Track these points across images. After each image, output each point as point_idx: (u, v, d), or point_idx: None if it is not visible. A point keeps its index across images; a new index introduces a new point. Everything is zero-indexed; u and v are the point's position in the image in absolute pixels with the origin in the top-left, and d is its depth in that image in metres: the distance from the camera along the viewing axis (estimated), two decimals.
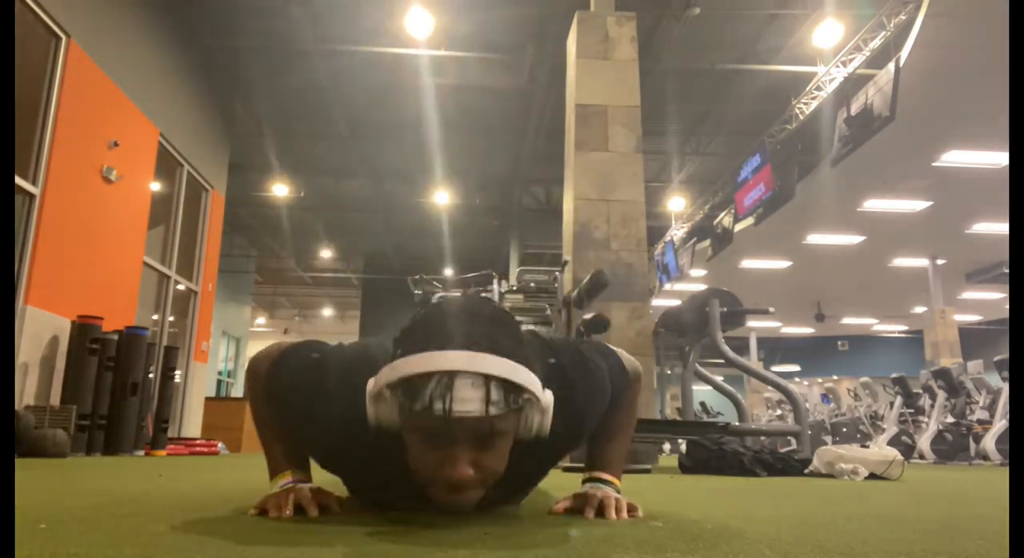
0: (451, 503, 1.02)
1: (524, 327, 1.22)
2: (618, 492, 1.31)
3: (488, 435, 0.98)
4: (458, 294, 6.22)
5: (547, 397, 1.03)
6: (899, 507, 1.71)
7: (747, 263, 16.67)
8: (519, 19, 8.66)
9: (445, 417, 0.94)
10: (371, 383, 1.02)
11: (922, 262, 16.56)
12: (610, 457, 1.36)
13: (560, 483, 2.09)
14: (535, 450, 1.08)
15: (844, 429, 11.91)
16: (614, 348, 1.37)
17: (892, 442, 8.89)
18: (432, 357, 0.96)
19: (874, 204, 13.14)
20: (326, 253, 18.24)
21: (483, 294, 6.23)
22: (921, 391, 9.91)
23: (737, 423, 4.94)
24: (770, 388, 10.77)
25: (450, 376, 0.94)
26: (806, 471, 3.52)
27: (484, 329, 1.00)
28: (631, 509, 1.25)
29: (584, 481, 1.34)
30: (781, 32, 9.27)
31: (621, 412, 1.35)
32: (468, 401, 0.94)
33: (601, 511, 1.22)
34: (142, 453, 5.94)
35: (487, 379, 0.95)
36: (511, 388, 0.97)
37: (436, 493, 1.01)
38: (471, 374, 0.95)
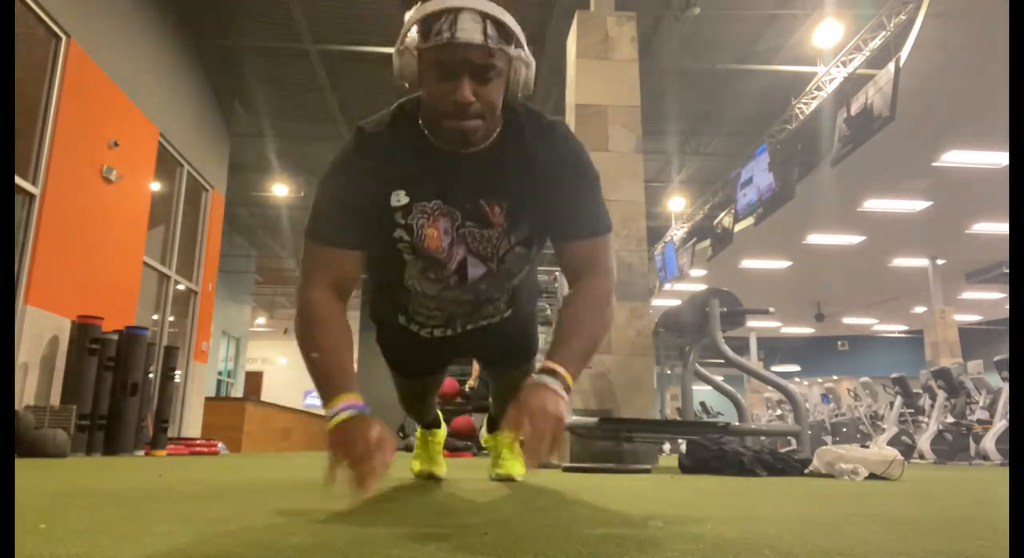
0: (458, 130, 1.26)
1: None
2: (567, 388, 1.22)
3: (486, 67, 1.22)
4: None
5: (530, 57, 1.29)
6: (899, 507, 1.71)
7: (747, 263, 16.67)
8: (519, 19, 8.59)
9: (451, 42, 1.19)
10: (397, 41, 1.28)
11: (922, 262, 16.56)
12: (570, 349, 1.29)
13: (562, 483, 2.10)
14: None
15: (844, 429, 11.91)
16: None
17: (892, 442, 8.89)
18: (437, 2, 1.21)
19: (874, 204, 13.13)
20: None
21: None
22: (921, 391, 9.91)
23: (737, 423, 4.94)
24: (770, 388, 10.78)
25: (455, 13, 1.19)
26: (806, 471, 3.52)
27: None
28: (556, 428, 1.13)
29: (536, 372, 1.26)
30: (781, 32, 9.26)
31: (588, 307, 1.37)
32: (469, 30, 1.19)
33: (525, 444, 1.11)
34: (142, 453, 5.94)
35: (484, 17, 1.21)
36: (504, 29, 1.23)
37: (446, 123, 1.26)
38: (472, 12, 1.20)
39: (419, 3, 1.27)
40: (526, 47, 1.30)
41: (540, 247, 1.56)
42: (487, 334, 1.76)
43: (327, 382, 1.27)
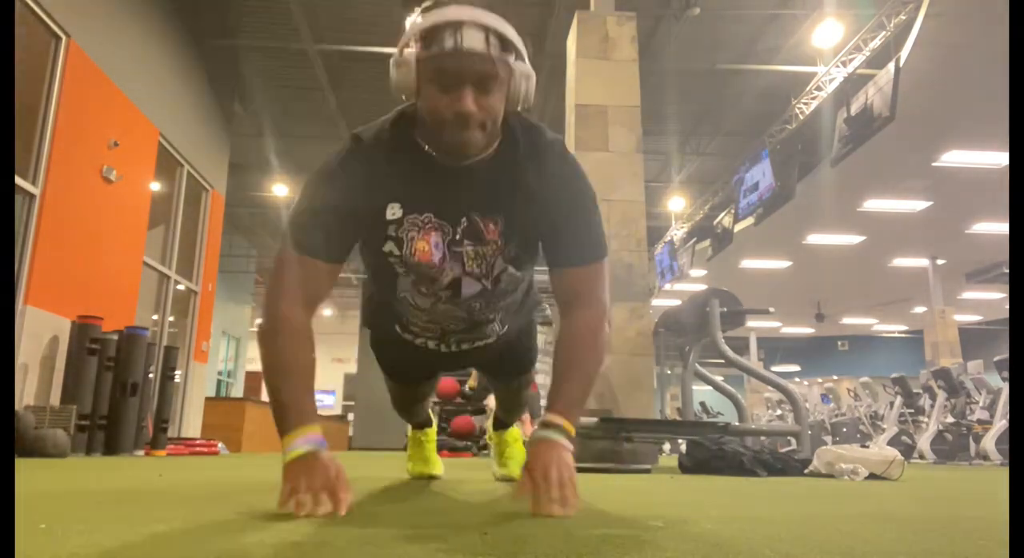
0: (459, 141, 1.24)
1: None
2: (569, 437, 1.27)
3: (489, 77, 1.21)
4: None
5: (531, 69, 1.29)
6: (899, 507, 1.71)
7: (747, 263, 16.67)
8: (519, 19, 8.61)
9: (455, 51, 1.18)
10: (395, 53, 1.26)
11: (922, 262, 16.56)
12: (570, 396, 1.34)
13: None
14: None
15: (844, 429, 11.91)
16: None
17: (892, 442, 8.89)
18: (443, 12, 1.21)
19: (874, 204, 13.14)
20: None
21: None
22: (921, 391, 9.91)
23: (737, 423, 4.94)
24: (770, 388, 10.77)
25: (459, 25, 1.19)
26: (806, 471, 3.52)
27: (484, 4, 1.24)
28: (572, 488, 1.19)
29: (539, 427, 1.31)
30: (781, 32, 9.27)
31: (581, 346, 1.36)
32: (472, 39, 1.19)
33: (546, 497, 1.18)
34: (142, 453, 5.94)
35: (487, 30, 1.21)
36: (506, 42, 1.24)
37: (446, 133, 1.24)
38: (475, 25, 1.20)
39: (419, 12, 1.26)
40: (527, 60, 1.29)
41: (534, 264, 1.54)
42: (484, 350, 1.74)
43: (285, 412, 1.24)
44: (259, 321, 1.34)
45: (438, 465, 2.48)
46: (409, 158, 1.33)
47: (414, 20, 1.25)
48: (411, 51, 1.24)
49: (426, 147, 1.33)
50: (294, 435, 1.21)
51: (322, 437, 1.24)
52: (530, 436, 1.33)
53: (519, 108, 1.31)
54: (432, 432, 2.49)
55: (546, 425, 1.30)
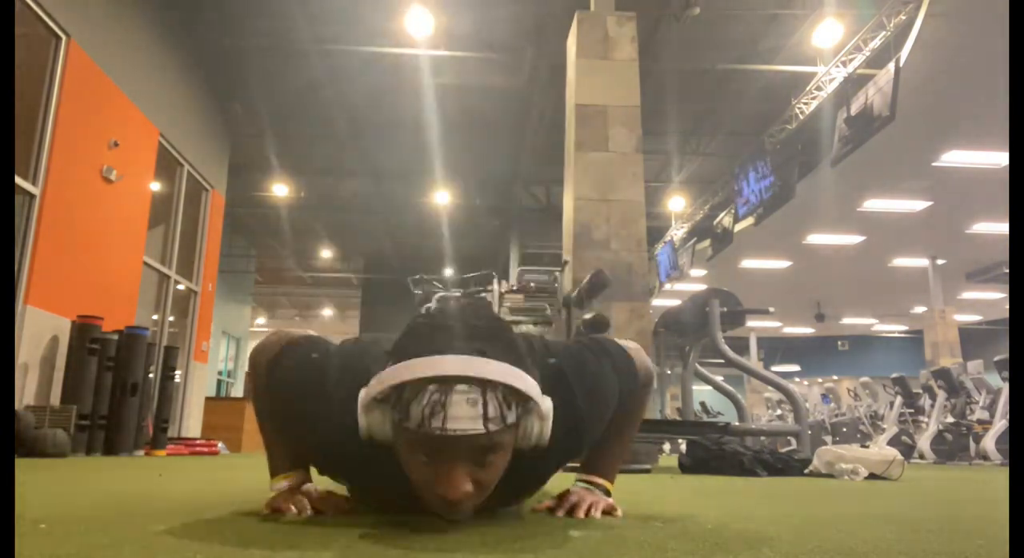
0: (445, 514, 0.99)
1: (520, 328, 1.23)
2: (608, 495, 1.30)
3: (486, 450, 0.94)
4: (457, 294, 6.22)
5: (547, 403, 0.99)
6: (899, 507, 1.71)
7: (747, 263, 16.66)
8: (519, 19, 8.66)
9: (441, 436, 0.90)
10: (362, 394, 0.98)
11: (922, 262, 16.56)
12: (605, 460, 1.34)
13: (563, 485, 2.09)
14: (534, 458, 1.04)
15: (844, 429, 11.91)
16: (626, 344, 1.28)
17: (892, 442, 8.89)
18: (424, 363, 0.92)
19: (874, 204, 13.13)
20: (326, 253, 18.24)
21: (483, 294, 6.24)
22: (921, 391, 9.91)
23: (737, 423, 4.94)
24: (770, 388, 10.77)
25: (444, 390, 0.90)
26: (806, 471, 3.52)
27: (479, 334, 0.96)
28: (608, 509, 1.24)
29: (576, 481, 1.34)
30: (781, 32, 9.26)
31: (624, 417, 1.29)
32: (464, 418, 0.89)
33: (573, 510, 1.22)
34: (142, 453, 5.93)
35: (484, 389, 0.91)
36: (510, 395, 0.93)
37: (431, 505, 0.98)
38: (466, 385, 0.90)
39: (386, 356, 0.99)
40: (540, 399, 0.99)
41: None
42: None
43: (273, 455, 1.24)
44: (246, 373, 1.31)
45: None
46: (397, 480, 1.02)
47: (387, 359, 0.98)
48: (384, 408, 0.97)
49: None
50: (280, 478, 1.22)
51: (309, 478, 1.24)
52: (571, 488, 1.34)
53: (532, 446, 1.01)
54: None
55: (584, 482, 1.32)
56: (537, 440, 0.99)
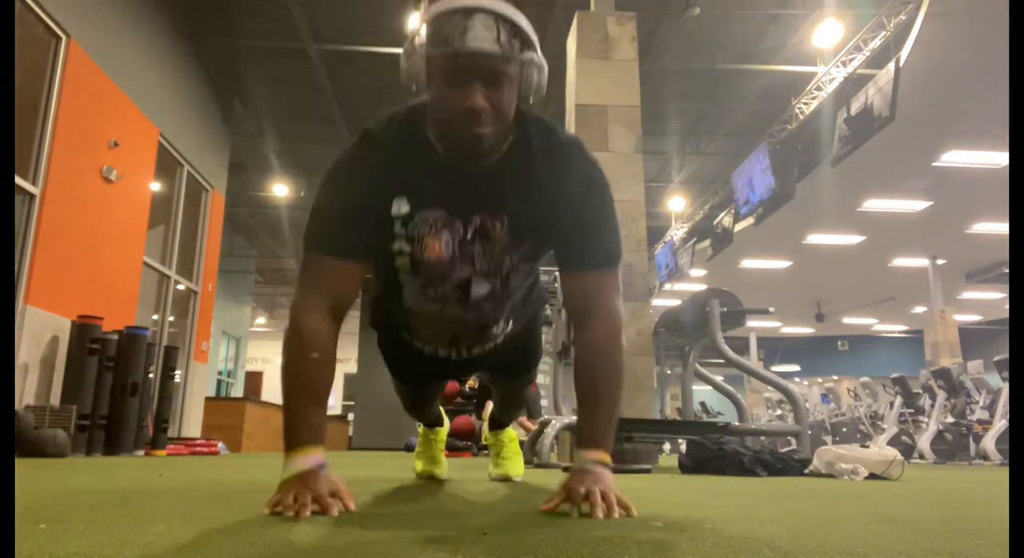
0: (468, 137, 1.20)
1: None
2: (606, 465, 1.28)
3: (498, 73, 1.16)
4: None
5: (543, 60, 1.22)
6: (899, 507, 1.71)
7: (747, 263, 16.67)
8: None
9: (463, 50, 1.13)
10: (406, 44, 1.20)
11: (922, 262, 16.56)
12: (596, 428, 1.32)
13: (560, 483, 2.09)
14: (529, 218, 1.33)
15: (844, 429, 11.91)
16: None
17: (892, 442, 8.89)
18: (452, 1, 1.15)
19: (874, 204, 13.13)
20: None
21: None
22: (921, 391, 9.91)
23: (737, 423, 4.94)
24: (770, 388, 10.78)
25: (466, 15, 1.13)
26: (806, 471, 3.52)
27: None
28: (624, 507, 1.21)
29: (573, 460, 1.32)
30: (781, 32, 9.26)
31: (601, 369, 1.32)
32: (481, 38, 1.13)
33: (589, 509, 1.19)
34: (142, 453, 5.94)
35: (497, 21, 1.14)
36: (518, 33, 1.18)
37: (455, 129, 1.21)
38: (484, 15, 1.14)
39: (428, 1, 1.21)
40: (539, 49, 1.23)
41: (541, 261, 1.52)
42: (492, 351, 1.70)
43: (296, 427, 1.25)
44: (286, 328, 1.33)
45: (443, 465, 2.48)
46: (418, 153, 1.30)
47: (425, 4, 1.21)
48: (420, 42, 1.19)
49: (438, 146, 1.29)
50: (298, 453, 1.22)
51: (324, 459, 1.24)
52: (569, 468, 1.34)
53: (531, 100, 1.25)
54: (443, 432, 2.48)
55: (583, 458, 1.30)
56: (536, 90, 1.23)
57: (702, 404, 16.03)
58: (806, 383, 22.58)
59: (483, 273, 1.41)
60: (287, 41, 9.03)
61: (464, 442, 7.73)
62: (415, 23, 1.22)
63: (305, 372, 1.27)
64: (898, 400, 9.83)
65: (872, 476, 3.06)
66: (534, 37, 1.23)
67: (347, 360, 22.59)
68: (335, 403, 23.62)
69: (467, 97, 1.16)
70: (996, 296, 19.19)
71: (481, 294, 1.43)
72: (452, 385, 8.10)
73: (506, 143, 1.30)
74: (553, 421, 4.54)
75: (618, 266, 1.39)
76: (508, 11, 1.17)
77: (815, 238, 15.08)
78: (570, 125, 5.95)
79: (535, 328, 1.89)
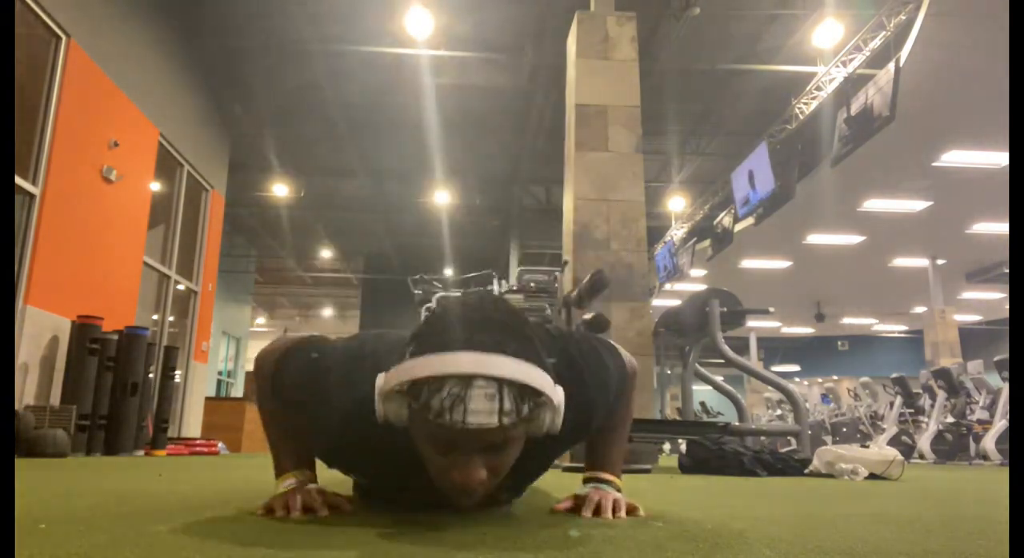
0: (461, 500, 1.03)
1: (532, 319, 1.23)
2: (619, 491, 1.31)
3: (501, 441, 0.97)
4: (459, 294, 6.21)
5: (559, 395, 1.01)
6: (899, 507, 1.71)
7: (747, 263, 16.67)
8: (519, 19, 8.66)
9: (459, 428, 0.92)
10: (380, 380, 1.00)
11: (922, 262, 16.56)
12: (609, 456, 1.37)
13: (561, 483, 2.09)
14: (543, 444, 1.08)
15: (844, 429, 11.91)
16: (614, 344, 1.38)
17: (892, 442, 8.89)
18: (443, 359, 0.94)
19: (874, 204, 13.13)
20: (326, 253, 18.25)
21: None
22: (921, 391, 9.91)
23: (737, 423, 4.94)
24: (770, 388, 10.77)
25: (463, 385, 0.92)
26: (806, 471, 3.52)
27: (496, 329, 0.98)
28: (631, 509, 1.25)
29: (585, 481, 1.35)
30: (781, 32, 9.26)
31: (620, 410, 1.36)
32: (481, 413, 0.92)
33: (598, 511, 1.23)
34: (142, 453, 5.94)
35: (500, 385, 0.93)
36: (525, 392, 0.95)
37: (444, 489, 1.03)
38: (484, 380, 0.92)
39: (407, 342, 1.00)
40: (553, 390, 1.00)
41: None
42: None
43: (279, 455, 1.25)
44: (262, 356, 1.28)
45: None
46: (406, 470, 1.10)
47: (405, 353, 0.99)
48: (400, 388, 0.97)
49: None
50: (286, 478, 1.22)
51: (313, 477, 1.25)
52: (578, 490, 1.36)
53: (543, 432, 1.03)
54: None
55: (594, 480, 1.34)
56: (549, 429, 1.01)
57: (702, 404, 16.03)
58: (806, 383, 22.59)
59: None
60: (287, 41, 9.03)
61: None
62: (393, 371, 0.98)
63: (278, 406, 1.24)
64: (898, 400, 9.83)
65: (872, 476, 3.06)
66: (547, 380, 0.99)
67: None
68: None
69: (464, 470, 0.98)
70: (996, 296, 19.19)
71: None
72: None
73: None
74: None
75: (635, 375, 1.40)
76: (512, 369, 0.94)
77: (815, 238, 15.08)
78: (570, 125, 5.95)
79: (545, 458, 1.36)
